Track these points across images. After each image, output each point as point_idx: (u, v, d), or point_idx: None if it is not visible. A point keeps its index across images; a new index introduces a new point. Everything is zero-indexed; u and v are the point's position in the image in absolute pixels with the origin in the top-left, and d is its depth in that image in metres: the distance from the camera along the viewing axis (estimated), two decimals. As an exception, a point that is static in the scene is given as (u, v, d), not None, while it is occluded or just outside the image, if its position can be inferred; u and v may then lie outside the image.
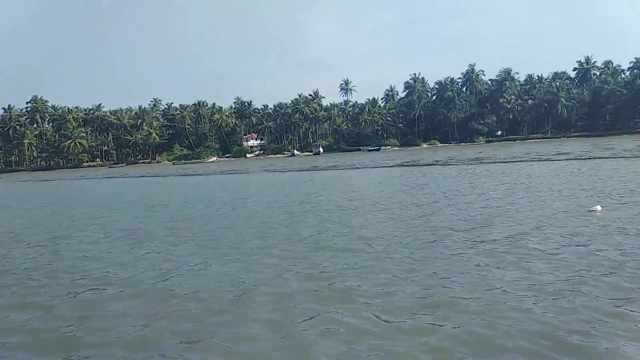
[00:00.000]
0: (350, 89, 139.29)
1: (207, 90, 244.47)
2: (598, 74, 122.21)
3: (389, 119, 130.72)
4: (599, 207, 14.12)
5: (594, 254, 9.06)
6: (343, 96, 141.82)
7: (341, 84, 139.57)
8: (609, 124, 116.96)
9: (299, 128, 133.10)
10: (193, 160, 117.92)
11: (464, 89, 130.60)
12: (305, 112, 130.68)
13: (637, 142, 60.11)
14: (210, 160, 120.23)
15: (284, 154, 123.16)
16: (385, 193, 22.40)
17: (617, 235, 10.47)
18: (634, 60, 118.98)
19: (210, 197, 25.20)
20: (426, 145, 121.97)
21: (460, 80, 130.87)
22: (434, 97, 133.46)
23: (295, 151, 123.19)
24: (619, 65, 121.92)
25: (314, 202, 20.19)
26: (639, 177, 22.62)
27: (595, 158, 38.81)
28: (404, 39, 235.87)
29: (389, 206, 17.46)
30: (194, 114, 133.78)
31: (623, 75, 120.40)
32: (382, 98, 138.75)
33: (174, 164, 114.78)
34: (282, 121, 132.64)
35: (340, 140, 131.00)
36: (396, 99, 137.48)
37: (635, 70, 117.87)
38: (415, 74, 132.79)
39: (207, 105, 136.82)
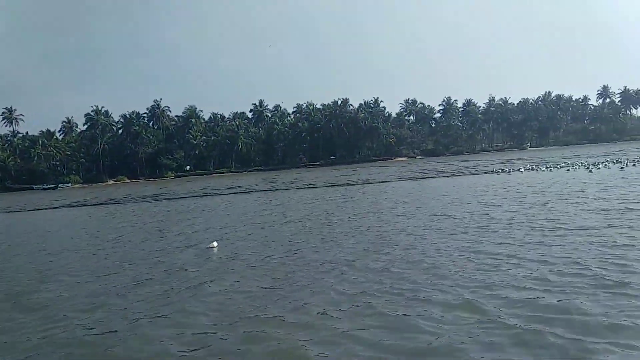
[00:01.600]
0: (16, 119, 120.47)
1: None
2: (270, 115, 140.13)
3: (69, 153, 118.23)
4: (215, 244, 15.11)
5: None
6: (7, 127, 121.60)
7: (3, 113, 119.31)
8: (280, 159, 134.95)
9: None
10: None
11: (150, 124, 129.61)
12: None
13: (294, 176, 70.51)
14: None
15: None
16: None
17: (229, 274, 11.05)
18: (296, 105, 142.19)
19: None
20: (112, 182, 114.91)
21: (146, 114, 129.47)
22: (120, 131, 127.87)
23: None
24: (286, 109, 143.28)
25: None
26: (253, 212, 25.74)
27: (249, 192, 43.28)
28: (86, 68, 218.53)
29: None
30: None
31: (289, 118, 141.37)
32: (60, 130, 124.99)
33: None
34: None
35: (5, 179, 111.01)
36: (76, 132, 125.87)
37: (297, 114, 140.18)
38: (97, 106, 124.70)
39: None
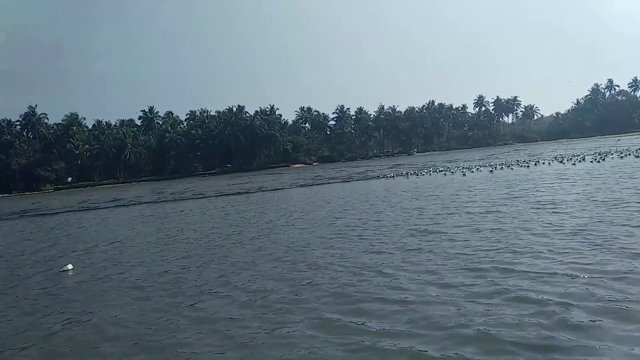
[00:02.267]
0: None
1: None
2: (161, 123, 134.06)
3: None
4: (70, 266, 13.74)
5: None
6: None
7: None
8: (174, 168, 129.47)
9: None
10: None
11: (24, 133, 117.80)
12: None
13: (186, 186, 67.96)
14: None
15: None
16: None
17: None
18: (189, 112, 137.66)
19: None
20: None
21: (19, 123, 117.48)
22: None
23: None
24: (178, 116, 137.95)
25: None
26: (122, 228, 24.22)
27: (132, 204, 40.80)
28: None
29: None
30: None
31: (182, 125, 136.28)
32: None
33: None
34: None
35: None
36: None
37: (191, 122, 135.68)
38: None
39: None
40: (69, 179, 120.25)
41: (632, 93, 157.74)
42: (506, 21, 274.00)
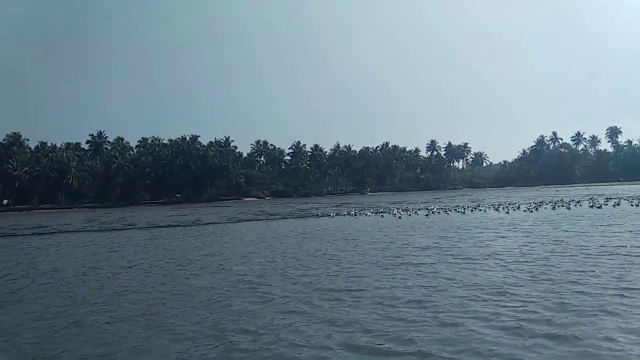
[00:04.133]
0: None
1: None
2: (110, 148, 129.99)
3: None
4: None
5: None
6: None
7: None
8: (120, 196, 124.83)
9: None
10: None
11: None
12: None
13: (124, 214, 65.10)
14: None
15: None
16: None
17: None
18: (140, 139, 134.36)
19: None
20: None
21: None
22: None
23: None
24: (129, 143, 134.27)
25: None
26: None
27: (50, 233, 38.43)
28: None
29: None
30: None
31: (132, 152, 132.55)
32: None
33: None
34: None
35: None
36: None
37: (140, 149, 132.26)
38: None
39: None
40: (5, 201, 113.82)
41: (574, 146, 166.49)
42: (461, 74, 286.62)
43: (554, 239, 20.52)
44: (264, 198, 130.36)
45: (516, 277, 12.80)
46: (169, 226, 40.35)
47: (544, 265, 14.48)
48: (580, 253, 16.48)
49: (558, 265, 14.27)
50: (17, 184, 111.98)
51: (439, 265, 15.30)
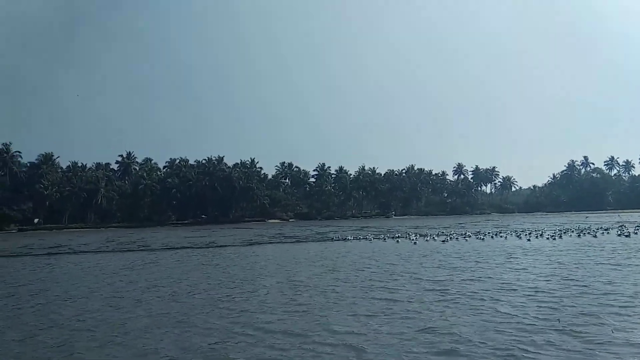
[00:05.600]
0: None
1: None
2: (138, 169, 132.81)
3: None
4: None
5: None
6: None
7: None
8: (147, 216, 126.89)
9: None
10: None
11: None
12: None
13: (146, 235, 65.91)
14: None
15: None
16: None
17: None
18: (168, 160, 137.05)
19: None
20: None
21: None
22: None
23: None
24: (156, 163, 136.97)
25: None
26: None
27: (63, 254, 38.97)
28: None
29: None
30: None
31: (159, 173, 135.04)
32: None
33: None
34: None
35: None
36: None
37: (168, 170, 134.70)
38: None
39: None
40: (36, 220, 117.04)
41: (607, 171, 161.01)
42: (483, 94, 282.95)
43: (561, 277, 19.43)
44: (288, 220, 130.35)
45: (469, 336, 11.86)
46: (183, 248, 40.47)
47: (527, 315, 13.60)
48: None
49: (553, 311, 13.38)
50: (47, 203, 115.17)
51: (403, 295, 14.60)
